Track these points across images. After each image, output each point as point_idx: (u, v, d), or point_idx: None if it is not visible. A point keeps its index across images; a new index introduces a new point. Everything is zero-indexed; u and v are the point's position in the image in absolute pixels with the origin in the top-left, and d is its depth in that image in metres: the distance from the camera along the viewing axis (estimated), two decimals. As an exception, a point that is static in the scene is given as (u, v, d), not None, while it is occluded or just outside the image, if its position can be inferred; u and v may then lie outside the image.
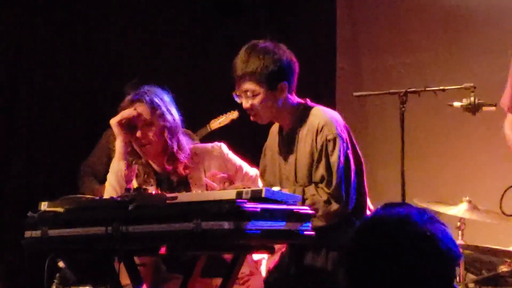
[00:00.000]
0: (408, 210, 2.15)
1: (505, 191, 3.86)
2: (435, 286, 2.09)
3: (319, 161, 3.91)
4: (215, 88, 6.68)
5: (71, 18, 6.62)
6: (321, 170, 3.90)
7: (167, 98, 4.38)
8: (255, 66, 3.93)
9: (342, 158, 3.90)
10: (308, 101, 4.07)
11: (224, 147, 4.47)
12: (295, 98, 4.05)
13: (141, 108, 4.31)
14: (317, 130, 3.93)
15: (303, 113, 4.02)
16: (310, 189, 3.91)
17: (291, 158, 4.02)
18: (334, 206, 3.86)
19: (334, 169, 3.88)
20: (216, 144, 4.50)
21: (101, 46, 6.72)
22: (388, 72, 6.59)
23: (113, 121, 4.34)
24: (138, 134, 4.31)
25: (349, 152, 3.94)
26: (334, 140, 3.91)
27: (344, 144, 3.93)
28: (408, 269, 2.08)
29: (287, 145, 4.05)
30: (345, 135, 3.96)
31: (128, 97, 4.38)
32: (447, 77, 5.94)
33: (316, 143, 3.93)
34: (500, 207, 4.07)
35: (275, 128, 4.17)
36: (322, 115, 3.98)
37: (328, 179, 3.88)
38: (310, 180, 3.94)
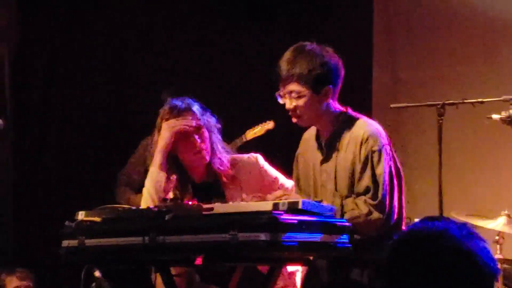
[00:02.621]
0: (447, 225, 2.13)
1: None
2: None
3: (363, 172, 3.87)
4: (250, 98, 6.68)
5: (105, 29, 6.67)
6: (366, 181, 3.86)
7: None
8: (302, 68, 3.87)
9: (387, 170, 3.86)
10: (350, 110, 4.03)
11: (260, 158, 4.45)
12: (336, 105, 4.01)
13: (190, 117, 4.30)
14: (361, 141, 3.89)
15: (345, 122, 3.98)
16: (349, 203, 3.87)
17: (330, 166, 3.97)
18: (376, 215, 3.82)
19: (380, 181, 3.84)
20: (252, 155, 4.48)
21: (135, 55, 6.75)
22: (425, 83, 6.54)
23: (171, 128, 4.26)
24: (194, 140, 4.29)
25: (392, 164, 3.91)
26: (380, 151, 3.87)
27: (388, 157, 3.90)
28: (445, 285, 2.06)
29: (326, 153, 4.00)
30: (388, 148, 3.93)
31: (171, 107, 4.34)
32: (486, 89, 5.89)
33: (360, 154, 3.88)
34: None
35: (308, 135, 4.13)
36: (367, 126, 3.94)
37: (374, 191, 3.84)
38: (350, 190, 3.91)
